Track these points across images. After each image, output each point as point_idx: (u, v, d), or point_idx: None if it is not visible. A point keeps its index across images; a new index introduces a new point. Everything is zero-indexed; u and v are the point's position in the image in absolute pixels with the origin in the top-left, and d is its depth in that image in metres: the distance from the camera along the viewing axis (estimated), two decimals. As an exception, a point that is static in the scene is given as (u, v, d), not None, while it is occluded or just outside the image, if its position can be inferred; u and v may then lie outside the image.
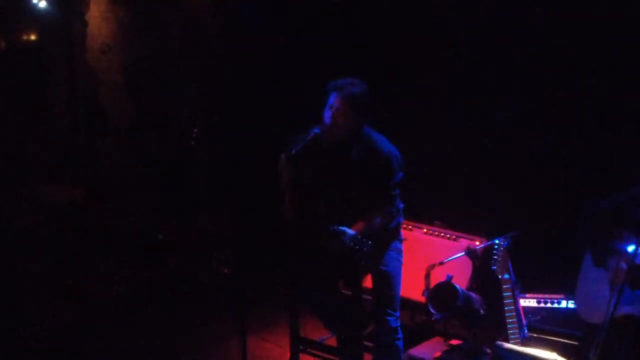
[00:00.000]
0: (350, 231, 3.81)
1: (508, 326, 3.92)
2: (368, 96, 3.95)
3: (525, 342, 4.01)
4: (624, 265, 3.62)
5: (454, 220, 4.97)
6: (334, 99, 3.93)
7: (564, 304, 4.48)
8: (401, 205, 4.17)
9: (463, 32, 5.71)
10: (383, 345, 4.08)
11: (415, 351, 4.35)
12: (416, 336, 4.54)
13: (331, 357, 4.41)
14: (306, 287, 4.16)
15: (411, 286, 4.52)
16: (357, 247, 3.74)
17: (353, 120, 3.95)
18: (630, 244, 3.67)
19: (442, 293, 4.30)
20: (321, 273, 4.09)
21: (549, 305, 4.51)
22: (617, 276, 3.68)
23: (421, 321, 4.78)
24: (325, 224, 3.83)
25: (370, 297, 4.22)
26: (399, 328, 4.09)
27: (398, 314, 4.10)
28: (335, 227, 3.79)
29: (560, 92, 5.35)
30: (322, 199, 4.05)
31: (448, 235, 4.85)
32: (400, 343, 4.10)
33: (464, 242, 4.73)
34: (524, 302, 4.50)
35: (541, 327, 4.41)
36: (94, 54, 7.34)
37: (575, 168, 5.23)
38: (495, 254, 3.99)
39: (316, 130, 3.97)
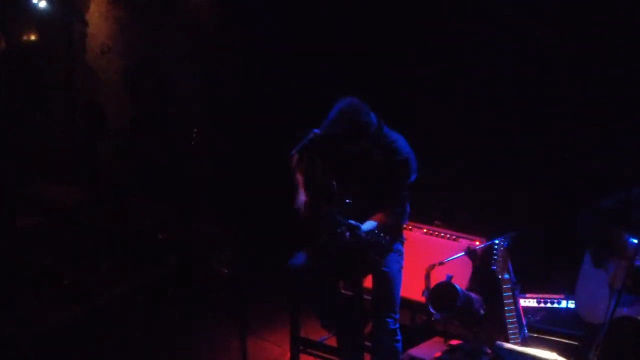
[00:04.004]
0: (365, 226, 3.82)
1: (508, 326, 3.93)
2: (366, 111, 3.93)
3: (525, 342, 4.02)
4: (623, 266, 3.63)
5: (454, 220, 4.97)
6: (356, 147, 3.94)
7: (564, 304, 4.48)
8: (408, 209, 4.17)
9: (467, 26, 5.71)
10: (381, 347, 4.07)
11: (415, 351, 4.35)
12: (416, 336, 4.54)
13: (331, 357, 4.41)
14: (308, 285, 4.15)
15: (411, 286, 4.51)
16: (375, 241, 3.76)
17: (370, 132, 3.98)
18: (632, 243, 3.68)
19: (442, 293, 4.30)
20: (324, 270, 4.09)
21: (549, 305, 4.51)
22: (616, 278, 3.69)
23: (421, 321, 4.77)
24: (340, 218, 3.84)
25: (370, 298, 4.21)
26: (398, 330, 4.08)
27: (397, 316, 4.09)
28: (352, 221, 3.79)
29: (560, 92, 5.35)
30: (337, 194, 4.06)
31: (448, 235, 4.85)
32: (399, 345, 4.09)
33: (464, 242, 4.72)
34: (524, 302, 4.50)
35: (541, 327, 4.41)
36: (94, 54, 7.34)
37: (575, 168, 5.23)
38: (495, 254, 3.99)
39: (316, 131, 4.03)
